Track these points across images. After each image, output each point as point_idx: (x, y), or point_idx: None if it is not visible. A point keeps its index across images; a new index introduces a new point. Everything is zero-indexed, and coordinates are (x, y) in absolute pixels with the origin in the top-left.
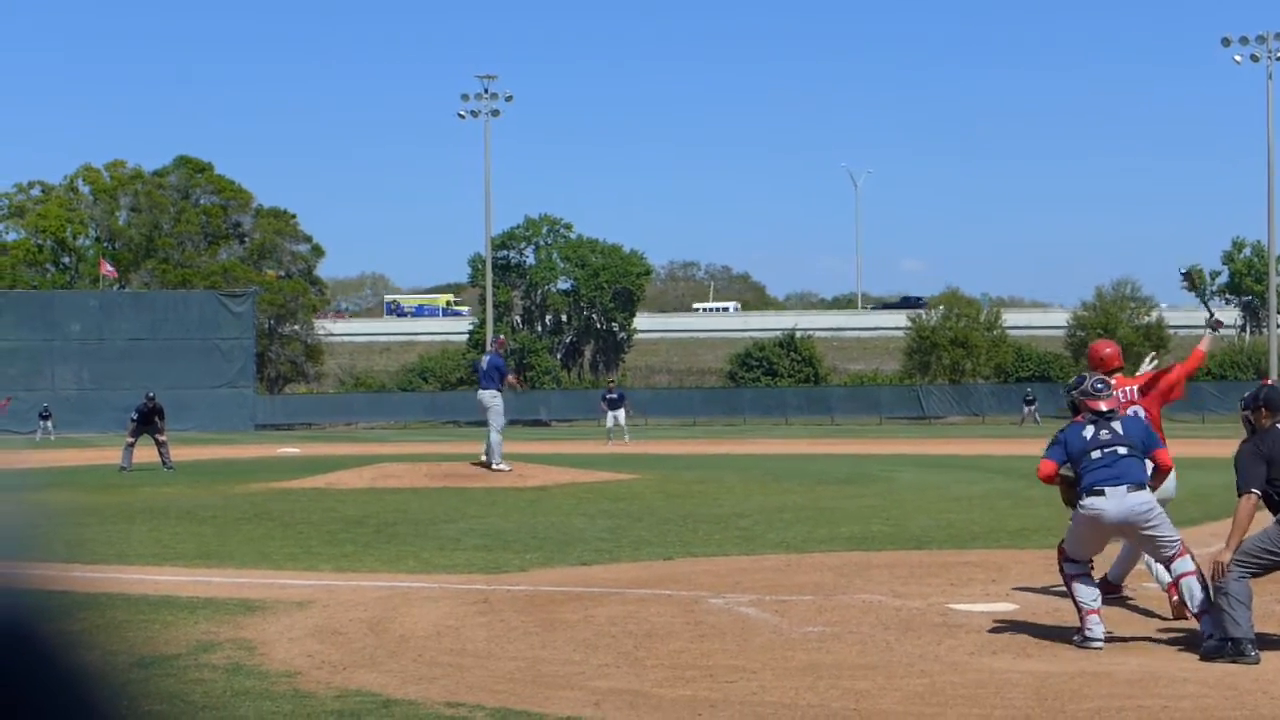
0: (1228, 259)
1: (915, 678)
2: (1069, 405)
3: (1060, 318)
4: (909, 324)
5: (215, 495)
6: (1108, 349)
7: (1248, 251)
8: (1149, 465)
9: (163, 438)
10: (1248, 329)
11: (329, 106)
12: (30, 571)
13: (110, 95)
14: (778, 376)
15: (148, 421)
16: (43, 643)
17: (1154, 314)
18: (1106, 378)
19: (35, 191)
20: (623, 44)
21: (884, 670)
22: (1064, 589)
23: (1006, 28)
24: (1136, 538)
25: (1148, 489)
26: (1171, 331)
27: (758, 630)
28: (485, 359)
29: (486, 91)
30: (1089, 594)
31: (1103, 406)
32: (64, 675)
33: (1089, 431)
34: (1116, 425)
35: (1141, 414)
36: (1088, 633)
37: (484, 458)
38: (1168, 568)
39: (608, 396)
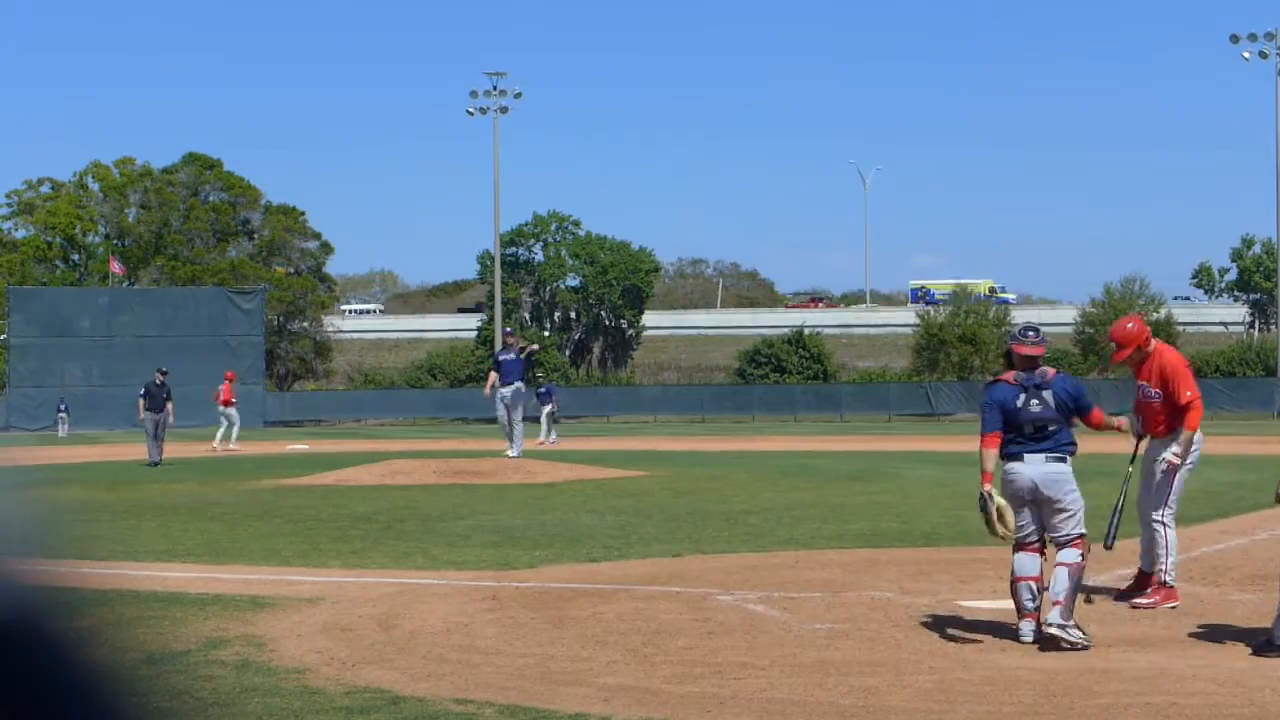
0: (1236, 256)
1: (924, 675)
2: (1004, 355)
3: (1068, 314)
4: (917, 321)
5: (224, 492)
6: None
7: (1257, 248)
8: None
9: (169, 420)
10: (1256, 326)
11: (338, 103)
12: (39, 568)
13: (119, 92)
14: (786, 374)
15: (158, 406)
16: (52, 639)
17: (1162, 311)
18: (1038, 326)
19: (45, 188)
20: (631, 41)
21: (893, 667)
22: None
23: (1015, 23)
24: (1047, 511)
25: (1068, 463)
26: (1180, 328)
27: (766, 627)
28: (511, 354)
29: (496, 89)
30: (1024, 597)
31: (1026, 351)
32: (73, 672)
33: (1021, 400)
34: (1048, 396)
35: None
36: (1019, 632)
37: (512, 453)
38: (1059, 550)
39: (539, 392)
